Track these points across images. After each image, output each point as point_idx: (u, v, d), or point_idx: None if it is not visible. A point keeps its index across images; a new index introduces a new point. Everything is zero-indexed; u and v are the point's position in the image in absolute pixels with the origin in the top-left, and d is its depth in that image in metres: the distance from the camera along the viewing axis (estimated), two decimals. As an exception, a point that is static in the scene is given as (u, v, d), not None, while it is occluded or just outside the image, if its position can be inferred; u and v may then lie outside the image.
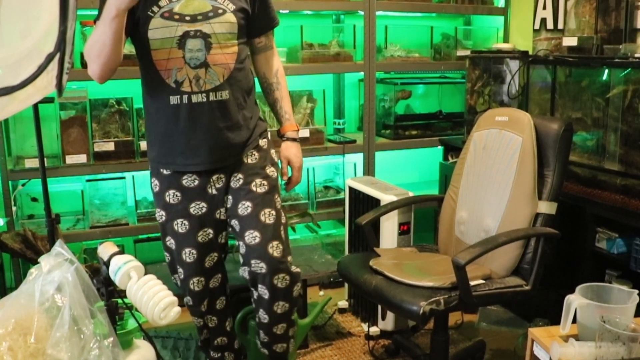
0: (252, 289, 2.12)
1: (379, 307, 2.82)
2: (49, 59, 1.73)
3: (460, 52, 3.59)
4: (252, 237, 2.03)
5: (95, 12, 3.01)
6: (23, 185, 3.01)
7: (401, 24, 3.77)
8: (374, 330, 2.87)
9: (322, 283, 3.42)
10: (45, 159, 2.09)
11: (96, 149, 2.94)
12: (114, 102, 3.01)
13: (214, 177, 2.05)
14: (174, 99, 1.94)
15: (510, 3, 3.71)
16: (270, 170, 2.12)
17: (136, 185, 3.13)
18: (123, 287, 1.51)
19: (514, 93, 2.95)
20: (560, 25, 3.06)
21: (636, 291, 1.82)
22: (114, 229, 3.01)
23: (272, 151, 2.19)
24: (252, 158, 2.09)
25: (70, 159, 2.89)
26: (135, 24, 1.93)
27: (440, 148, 3.61)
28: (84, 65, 2.90)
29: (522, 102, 2.94)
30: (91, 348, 1.43)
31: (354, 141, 3.44)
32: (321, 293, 3.36)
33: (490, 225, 2.36)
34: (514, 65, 2.94)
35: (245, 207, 2.04)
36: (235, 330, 2.54)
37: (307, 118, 3.33)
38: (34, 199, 3.06)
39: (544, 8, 3.15)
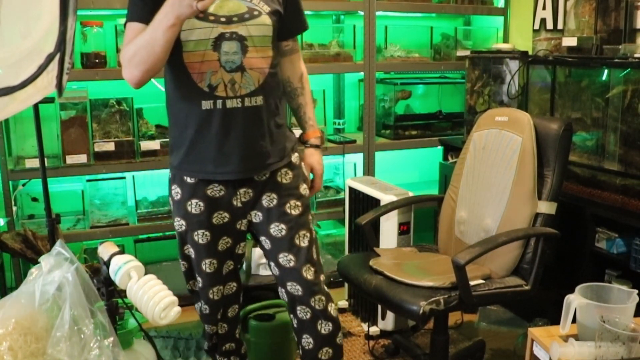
0: (292, 315, 2.05)
1: (379, 307, 2.82)
2: (49, 59, 1.73)
3: (460, 53, 3.59)
4: (287, 260, 1.97)
5: (96, 12, 3.04)
6: (23, 185, 3.01)
7: (401, 24, 3.77)
8: (374, 330, 2.87)
9: (322, 283, 3.42)
10: (45, 159, 2.09)
11: (96, 149, 2.94)
12: (114, 102, 3.01)
13: (242, 191, 1.94)
14: (206, 104, 1.83)
15: (510, 3, 3.72)
16: (303, 189, 2.04)
17: (136, 185, 3.14)
18: (123, 287, 1.51)
19: (513, 93, 2.95)
20: (559, 26, 3.06)
21: (636, 291, 1.83)
22: (114, 229, 3.02)
23: (302, 165, 2.10)
24: (286, 177, 1.99)
25: (71, 159, 2.90)
26: None
27: (440, 148, 3.61)
28: (84, 65, 2.91)
29: (522, 102, 2.94)
30: (91, 348, 1.43)
31: (354, 141, 3.44)
32: (321, 293, 3.36)
33: (490, 225, 2.36)
34: (514, 65, 2.94)
35: (279, 229, 1.96)
36: (235, 330, 2.54)
37: (307, 118, 3.33)
38: (35, 199, 3.06)
39: (544, 8, 3.15)
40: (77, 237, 2.95)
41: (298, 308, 2.00)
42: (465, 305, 2.13)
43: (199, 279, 2.04)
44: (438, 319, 2.27)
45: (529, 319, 2.83)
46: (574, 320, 1.83)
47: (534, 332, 1.92)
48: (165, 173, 3.25)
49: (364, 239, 2.59)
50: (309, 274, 1.97)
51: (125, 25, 1.81)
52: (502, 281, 2.24)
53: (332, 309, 2.02)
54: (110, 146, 2.96)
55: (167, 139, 3.09)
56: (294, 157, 2.04)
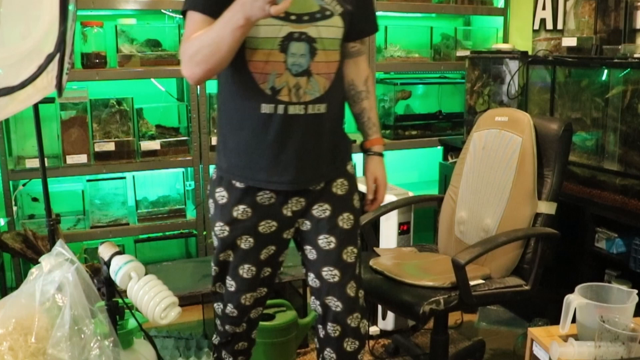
0: (320, 326, 1.94)
1: (379, 307, 2.82)
2: (49, 59, 1.73)
3: (460, 53, 3.59)
4: (332, 274, 1.86)
5: (96, 12, 3.04)
6: (24, 185, 3.01)
7: (401, 24, 3.77)
8: (374, 329, 2.87)
9: (322, 283, 3.42)
10: (45, 159, 2.09)
11: (97, 149, 2.94)
12: (115, 102, 3.01)
13: (294, 200, 1.81)
14: (266, 108, 1.69)
15: (509, 3, 3.72)
16: (356, 201, 1.92)
17: (136, 185, 3.14)
18: (124, 287, 1.51)
19: (513, 93, 2.95)
20: (559, 26, 3.06)
21: (635, 291, 1.83)
22: (115, 229, 3.02)
23: (355, 176, 1.98)
24: (342, 189, 1.87)
25: (71, 159, 2.90)
26: None
27: (440, 148, 3.62)
28: (84, 65, 2.91)
29: (522, 102, 2.94)
30: (92, 348, 1.44)
31: (354, 141, 3.44)
32: (321, 293, 3.36)
33: (490, 225, 2.36)
34: (514, 65, 2.94)
35: (328, 242, 1.85)
36: (236, 330, 2.54)
37: (307, 118, 3.33)
38: (35, 199, 3.06)
39: (544, 8, 3.15)
40: (78, 237, 2.95)
41: (330, 324, 1.91)
42: (465, 305, 2.13)
43: (232, 282, 1.90)
44: (438, 319, 2.27)
45: (529, 318, 2.83)
46: (573, 320, 1.83)
47: (534, 332, 1.92)
48: (166, 173, 3.29)
49: (364, 239, 2.60)
50: (352, 290, 1.88)
51: (184, 13, 1.66)
52: (502, 281, 2.24)
53: (363, 325, 1.94)
54: (110, 146, 2.96)
55: (168, 139, 3.09)
56: (350, 167, 1.92)
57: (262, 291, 1.98)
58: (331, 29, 1.71)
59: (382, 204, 2.05)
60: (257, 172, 1.76)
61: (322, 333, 1.94)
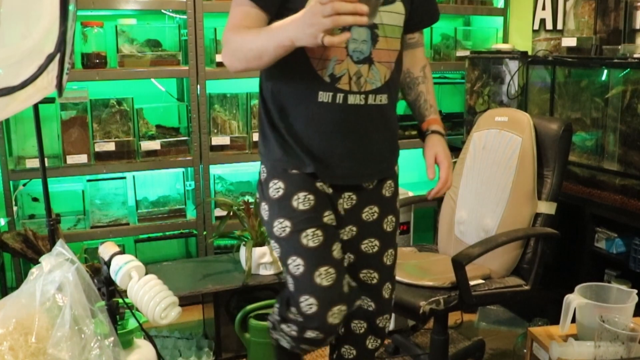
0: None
1: (379, 306, 2.82)
2: (50, 59, 1.73)
3: (460, 53, 3.59)
4: (370, 277, 1.79)
5: (96, 13, 3.04)
6: (24, 185, 3.02)
7: (401, 24, 3.77)
8: (374, 330, 2.87)
9: (322, 283, 3.42)
10: (46, 159, 2.09)
11: (97, 149, 2.94)
12: (115, 102, 3.01)
13: (346, 195, 1.70)
14: (324, 96, 1.58)
15: (509, 4, 3.72)
16: (397, 203, 1.85)
17: (137, 185, 3.14)
18: (124, 287, 1.51)
19: (513, 93, 2.95)
20: (559, 26, 3.06)
21: (635, 291, 1.83)
22: (115, 229, 3.02)
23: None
24: (389, 190, 1.79)
25: (71, 159, 2.90)
26: None
27: (440, 148, 3.61)
28: (84, 65, 2.91)
29: (522, 102, 2.94)
30: (92, 348, 1.44)
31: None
32: (321, 293, 3.35)
33: (490, 225, 2.36)
34: (513, 65, 2.95)
35: (371, 245, 1.76)
36: (236, 330, 2.55)
37: (307, 118, 3.33)
38: (35, 199, 3.07)
39: (543, 9, 3.15)
40: (78, 237, 2.95)
41: (357, 320, 1.84)
42: (465, 305, 2.14)
43: (311, 300, 1.60)
44: (438, 319, 2.28)
45: (529, 318, 2.83)
46: (573, 320, 1.83)
47: (534, 331, 1.93)
48: (166, 173, 3.29)
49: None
50: (387, 292, 1.82)
51: None
52: (502, 281, 2.25)
53: (388, 324, 1.89)
54: (110, 146, 2.96)
55: (168, 139, 3.10)
56: (396, 168, 1.86)
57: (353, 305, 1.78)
58: (393, 15, 1.60)
59: (448, 186, 1.82)
60: (309, 164, 1.63)
61: (342, 329, 1.84)
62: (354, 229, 1.74)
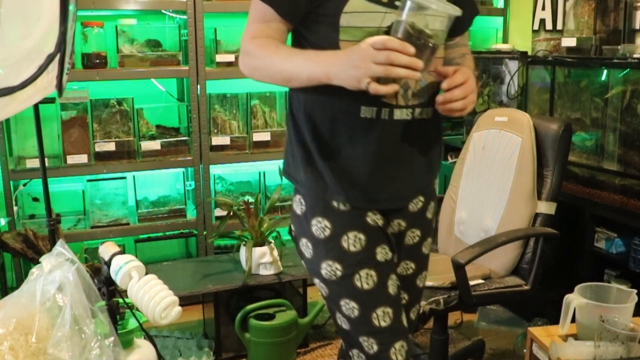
0: None
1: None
2: (50, 59, 1.73)
3: (460, 53, 3.59)
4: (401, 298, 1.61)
5: (96, 13, 3.04)
6: (24, 185, 3.02)
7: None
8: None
9: (322, 283, 3.42)
10: (46, 159, 2.09)
11: (97, 149, 2.94)
12: (115, 103, 3.01)
13: (395, 222, 1.54)
14: (367, 111, 1.39)
15: (509, 4, 3.72)
16: (434, 223, 1.69)
17: (137, 185, 3.14)
18: (124, 287, 1.51)
19: (513, 93, 2.96)
20: (559, 26, 3.06)
21: (635, 291, 1.83)
22: (115, 229, 3.02)
23: None
24: (430, 212, 1.63)
25: (71, 159, 2.90)
26: (319, 2, 1.37)
27: (440, 148, 3.61)
28: (84, 65, 2.92)
29: (522, 102, 2.94)
30: (92, 347, 1.44)
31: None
32: (321, 293, 3.36)
33: (490, 225, 2.36)
34: (513, 65, 2.95)
35: (407, 268, 1.61)
36: (236, 329, 2.55)
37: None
38: (35, 199, 3.07)
39: (543, 9, 3.15)
40: (78, 237, 2.96)
41: None
42: (464, 305, 2.14)
43: (371, 340, 1.47)
44: (438, 319, 2.28)
45: (529, 318, 2.83)
46: (573, 320, 1.84)
47: (534, 331, 1.93)
48: (166, 173, 3.29)
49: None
50: (414, 314, 1.70)
51: None
52: (502, 281, 2.25)
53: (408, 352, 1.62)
54: (110, 146, 2.96)
55: (168, 139, 3.10)
56: (434, 187, 1.69)
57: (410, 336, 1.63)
58: (438, 19, 1.35)
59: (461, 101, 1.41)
60: (354, 190, 1.46)
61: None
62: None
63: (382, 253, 1.49)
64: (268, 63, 1.39)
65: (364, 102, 1.38)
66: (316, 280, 1.53)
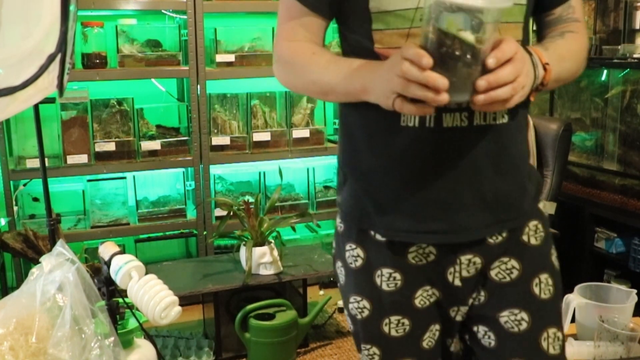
0: None
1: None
2: (51, 59, 1.73)
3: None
4: None
5: (96, 13, 3.05)
6: (24, 185, 3.02)
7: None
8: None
9: (322, 282, 3.43)
10: (46, 159, 2.10)
11: (97, 149, 2.95)
12: (115, 103, 3.02)
13: (464, 259, 1.17)
14: (407, 118, 1.11)
15: (509, 3, 3.72)
16: (555, 257, 1.30)
17: (137, 185, 3.14)
18: (124, 287, 1.52)
19: (513, 93, 2.95)
20: (559, 26, 3.06)
21: (634, 291, 1.83)
22: (115, 229, 3.02)
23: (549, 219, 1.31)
24: (536, 236, 1.23)
25: (72, 159, 2.90)
26: None
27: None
28: (85, 65, 2.92)
29: (522, 102, 2.94)
30: (92, 347, 1.44)
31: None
32: (321, 292, 3.36)
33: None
34: (514, 65, 2.94)
35: (516, 320, 1.19)
36: (236, 329, 2.55)
37: (307, 118, 3.34)
38: (35, 199, 3.07)
39: (544, 8, 3.15)
40: (78, 237, 2.96)
41: None
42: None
43: None
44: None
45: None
46: (573, 320, 1.84)
47: (533, 331, 1.92)
48: (166, 173, 3.29)
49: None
50: None
51: None
52: (502, 281, 2.25)
53: None
54: (110, 146, 2.96)
55: (168, 139, 3.10)
56: (542, 205, 1.28)
57: None
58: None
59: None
60: (399, 218, 1.17)
61: None
62: (483, 293, 1.21)
63: (425, 297, 1.21)
64: (302, 71, 1.19)
65: None
66: (345, 312, 1.32)
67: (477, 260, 1.18)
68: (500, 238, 1.19)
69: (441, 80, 0.92)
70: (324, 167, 3.63)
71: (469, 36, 0.93)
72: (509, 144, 1.17)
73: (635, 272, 2.34)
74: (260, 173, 3.31)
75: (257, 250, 2.66)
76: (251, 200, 2.77)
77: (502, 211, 1.18)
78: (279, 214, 3.16)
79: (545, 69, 1.08)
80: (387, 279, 1.21)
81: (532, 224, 1.23)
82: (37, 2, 1.72)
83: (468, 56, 0.93)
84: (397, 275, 1.20)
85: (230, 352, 2.71)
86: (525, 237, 1.21)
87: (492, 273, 1.20)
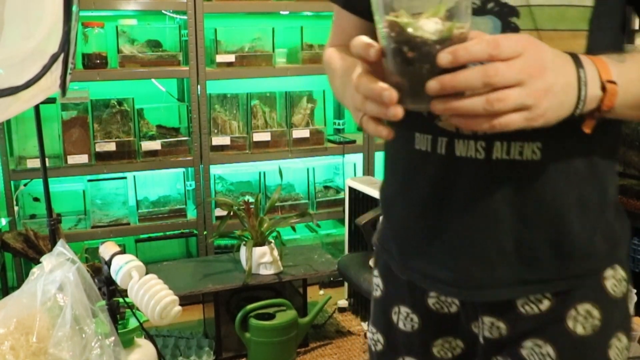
0: None
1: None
2: (54, 59, 1.74)
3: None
4: None
5: (97, 13, 3.05)
6: (25, 185, 3.02)
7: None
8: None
9: (322, 282, 3.43)
10: (47, 159, 2.10)
11: (97, 149, 2.95)
12: (115, 103, 3.02)
13: (485, 320, 0.96)
14: (421, 141, 0.94)
15: (509, 4, 3.72)
16: (616, 353, 0.94)
17: (137, 185, 3.15)
18: (124, 287, 1.52)
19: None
20: (559, 26, 3.07)
21: (634, 291, 1.83)
22: (115, 229, 3.03)
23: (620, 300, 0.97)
24: (586, 323, 0.92)
25: (72, 159, 2.91)
26: None
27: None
28: (85, 66, 2.92)
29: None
30: (93, 347, 1.44)
31: (354, 141, 3.45)
32: (321, 292, 3.37)
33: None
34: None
35: None
36: (236, 329, 2.55)
37: (307, 118, 3.34)
38: (36, 199, 3.08)
39: (543, 9, 3.16)
40: (79, 237, 2.96)
41: None
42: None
43: None
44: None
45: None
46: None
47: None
48: (166, 173, 3.30)
49: (364, 238, 2.60)
50: None
51: None
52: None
53: None
54: (111, 146, 2.97)
55: (168, 139, 3.11)
56: (610, 281, 0.95)
57: None
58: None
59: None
60: (409, 255, 1.01)
61: None
62: None
63: (446, 348, 1.04)
64: (331, 81, 1.06)
65: (419, 126, 0.93)
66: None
67: (502, 325, 0.95)
68: (535, 309, 0.93)
69: (391, 93, 0.72)
70: (324, 167, 3.64)
71: (419, 27, 0.70)
72: (542, 190, 0.88)
73: (636, 272, 2.34)
74: (260, 173, 3.31)
75: (257, 250, 2.67)
76: (251, 200, 2.78)
77: (529, 270, 0.91)
78: (279, 214, 3.17)
79: (604, 88, 0.77)
80: (404, 317, 1.06)
81: (585, 307, 0.92)
82: (38, 2, 1.72)
83: (423, 53, 0.70)
84: (415, 318, 1.04)
85: (230, 352, 2.72)
86: (569, 323, 0.92)
87: (523, 353, 0.94)
